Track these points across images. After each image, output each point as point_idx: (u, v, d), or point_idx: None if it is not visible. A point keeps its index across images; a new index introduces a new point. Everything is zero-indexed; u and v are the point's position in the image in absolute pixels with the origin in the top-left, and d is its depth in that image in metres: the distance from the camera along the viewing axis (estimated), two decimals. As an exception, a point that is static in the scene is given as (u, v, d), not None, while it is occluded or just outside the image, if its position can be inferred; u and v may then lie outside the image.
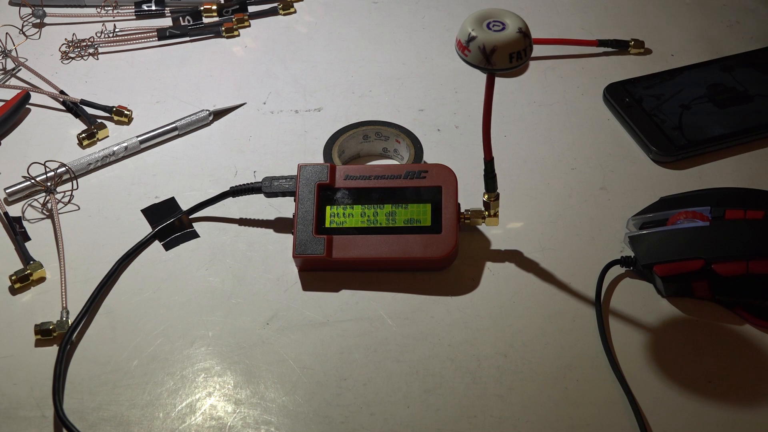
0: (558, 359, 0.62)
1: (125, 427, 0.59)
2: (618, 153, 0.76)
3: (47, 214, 0.73)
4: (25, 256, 0.69)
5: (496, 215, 0.68)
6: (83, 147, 0.79)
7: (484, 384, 0.61)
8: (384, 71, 0.85)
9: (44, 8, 0.90)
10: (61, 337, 0.63)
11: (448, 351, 0.63)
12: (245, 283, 0.67)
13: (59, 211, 0.73)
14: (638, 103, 0.79)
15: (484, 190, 0.67)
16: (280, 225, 0.71)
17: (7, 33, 0.87)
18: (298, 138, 0.78)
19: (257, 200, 0.72)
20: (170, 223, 0.71)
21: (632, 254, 0.66)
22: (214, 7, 0.91)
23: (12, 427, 0.59)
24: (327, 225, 0.67)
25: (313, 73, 0.85)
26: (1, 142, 0.80)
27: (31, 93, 0.82)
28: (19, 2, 0.91)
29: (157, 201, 0.74)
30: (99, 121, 0.80)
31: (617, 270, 0.66)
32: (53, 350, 0.63)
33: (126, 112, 0.81)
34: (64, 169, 0.75)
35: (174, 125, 0.79)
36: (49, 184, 0.73)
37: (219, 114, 0.81)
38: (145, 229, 0.71)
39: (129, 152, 0.78)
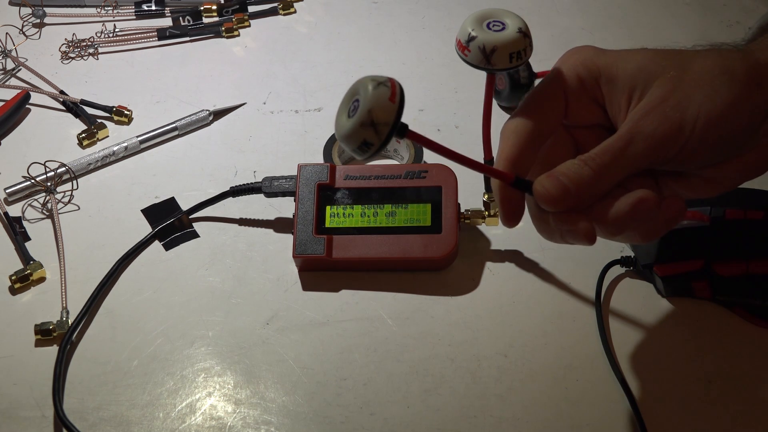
0: (558, 359, 0.62)
1: (125, 427, 0.59)
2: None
3: (47, 214, 0.73)
4: (25, 256, 0.69)
5: (496, 215, 0.68)
6: (83, 147, 0.79)
7: (484, 384, 0.61)
8: (384, 71, 0.85)
9: (44, 8, 0.90)
10: (61, 337, 0.63)
11: (448, 351, 0.63)
12: (245, 283, 0.67)
13: (59, 211, 0.73)
14: (638, 103, 0.79)
15: (484, 190, 0.67)
16: (280, 225, 0.71)
17: (7, 33, 0.87)
18: (298, 138, 0.78)
19: (257, 200, 0.72)
20: (170, 223, 0.71)
21: (632, 254, 0.66)
22: (214, 7, 0.91)
23: (12, 427, 0.59)
24: (327, 225, 0.67)
25: (313, 73, 0.85)
26: (1, 142, 0.80)
27: (31, 93, 0.82)
28: (19, 2, 0.91)
29: (157, 201, 0.74)
30: (99, 121, 0.80)
31: (617, 270, 0.66)
32: (53, 350, 0.63)
33: (126, 112, 0.81)
34: (64, 169, 0.75)
35: (174, 125, 0.79)
36: (49, 184, 0.73)
37: (219, 114, 0.81)
38: (145, 229, 0.71)
39: (129, 152, 0.78)
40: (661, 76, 0.49)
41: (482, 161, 0.64)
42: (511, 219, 0.51)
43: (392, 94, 0.45)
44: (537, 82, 0.79)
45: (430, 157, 0.75)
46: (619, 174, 0.49)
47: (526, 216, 0.70)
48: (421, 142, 0.48)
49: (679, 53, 0.51)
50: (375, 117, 0.45)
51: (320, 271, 0.67)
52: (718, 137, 0.49)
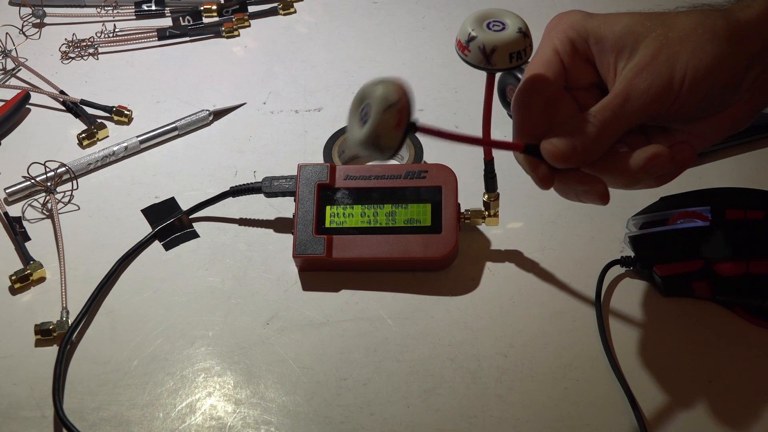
0: (558, 359, 0.62)
1: (125, 427, 0.59)
2: (618, 153, 0.76)
3: (47, 214, 0.73)
4: (25, 256, 0.69)
5: (496, 215, 0.68)
6: (83, 147, 0.79)
7: (484, 384, 0.61)
8: (384, 71, 0.85)
9: (44, 8, 0.90)
10: (61, 337, 0.63)
11: (448, 351, 0.63)
12: (245, 283, 0.67)
13: (59, 211, 0.73)
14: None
15: (484, 190, 0.67)
16: (280, 225, 0.71)
17: (7, 33, 0.87)
18: (298, 138, 0.78)
19: (257, 200, 0.72)
20: (170, 223, 0.71)
21: (632, 254, 0.66)
22: (214, 7, 0.91)
23: (12, 427, 0.59)
24: (327, 225, 0.67)
25: (313, 73, 0.85)
26: (1, 142, 0.80)
27: (31, 93, 0.82)
28: (19, 2, 0.91)
29: (157, 201, 0.74)
30: (99, 121, 0.80)
31: (617, 270, 0.67)
32: (53, 350, 0.63)
33: (126, 112, 0.81)
34: (64, 169, 0.75)
35: (174, 125, 0.79)
36: (49, 184, 0.73)
37: (219, 114, 0.81)
38: (145, 229, 0.71)
39: (129, 152, 0.78)
40: (647, 36, 0.52)
41: (483, 162, 0.65)
42: (546, 182, 0.53)
43: (399, 120, 0.49)
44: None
45: (430, 157, 0.75)
46: (620, 129, 0.52)
47: (526, 216, 0.71)
48: (432, 134, 0.51)
49: (662, 15, 0.54)
50: (382, 142, 0.49)
51: (320, 271, 0.67)
52: (705, 92, 0.51)
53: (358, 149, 0.51)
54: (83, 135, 0.79)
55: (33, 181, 0.73)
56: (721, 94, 0.52)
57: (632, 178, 0.52)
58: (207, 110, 0.80)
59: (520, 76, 0.75)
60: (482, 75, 0.58)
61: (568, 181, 0.53)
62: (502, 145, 0.55)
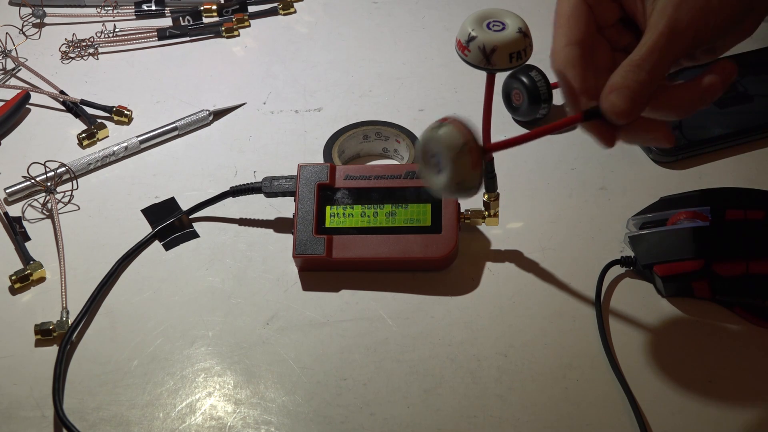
0: (558, 359, 0.62)
1: (125, 427, 0.59)
2: (618, 153, 0.76)
3: (47, 214, 0.73)
4: (25, 256, 0.69)
5: (496, 215, 0.68)
6: (83, 147, 0.79)
7: (484, 384, 0.61)
8: (384, 71, 0.85)
9: (44, 8, 0.90)
10: (61, 337, 0.63)
11: (448, 351, 0.63)
12: (245, 283, 0.67)
13: (59, 211, 0.73)
14: (638, 103, 0.79)
15: (484, 190, 0.67)
16: (280, 225, 0.71)
17: (7, 33, 0.87)
18: (298, 138, 0.78)
19: (257, 200, 0.72)
20: (170, 223, 0.71)
21: (632, 254, 0.66)
22: (214, 7, 0.91)
23: (12, 427, 0.59)
24: (327, 225, 0.67)
25: (313, 73, 0.85)
26: (1, 142, 0.80)
27: (31, 93, 0.82)
28: (19, 2, 0.91)
29: (157, 201, 0.74)
30: (99, 121, 0.80)
31: (617, 270, 0.67)
32: (53, 350, 0.63)
33: (126, 112, 0.81)
34: (64, 169, 0.75)
35: (174, 125, 0.79)
36: (49, 184, 0.74)
37: (219, 114, 0.81)
38: (145, 229, 0.71)
39: (129, 152, 0.78)
40: None
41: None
42: (612, 141, 0.52)
43: (474, 161, 0.48)
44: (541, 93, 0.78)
45: (430, 157, 0.75)
46: (669, 68, 0.51)
47: (526, 216, 0.71)
48: (505, 147, 0.50)
49: None
50: (466, 185, 0.49)
51: (320, 271, 0.67)
52: (736, 10, 0.51)
53: (442, 195, 0.50)
54: (83, 135, 0.79)
55: (33, 181, 0.73)
56: (746, 9, 0.52)
57: (689, 110, 0.52)
58: (207, 110, 0.80)
59: (525, 80, 0.75)
60: (482, 75, 0.58)
61: (632, 132, 0.52)
62: (564, 124, 0.52)
